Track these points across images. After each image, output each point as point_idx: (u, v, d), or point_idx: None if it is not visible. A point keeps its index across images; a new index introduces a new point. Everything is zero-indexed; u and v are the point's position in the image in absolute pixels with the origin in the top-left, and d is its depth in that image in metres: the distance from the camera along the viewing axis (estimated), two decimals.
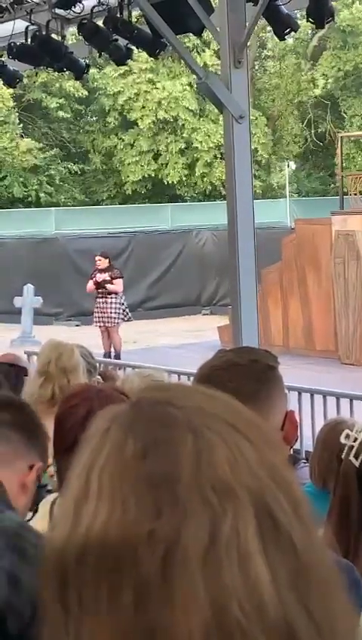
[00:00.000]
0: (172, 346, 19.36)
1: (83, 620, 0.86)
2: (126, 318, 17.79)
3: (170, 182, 33.26)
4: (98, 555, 0.86)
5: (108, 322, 17.59)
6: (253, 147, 7.90)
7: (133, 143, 33.53)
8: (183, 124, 32.89)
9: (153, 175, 33.45)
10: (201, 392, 0.98)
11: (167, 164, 33.34)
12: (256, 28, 7.70)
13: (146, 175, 33.41)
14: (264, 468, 0.90)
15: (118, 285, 17.69)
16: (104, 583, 0.85)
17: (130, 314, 17.98)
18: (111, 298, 17.60)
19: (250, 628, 0.83)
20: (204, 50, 31.55)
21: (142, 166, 33.38)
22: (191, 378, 4.34)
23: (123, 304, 17.75)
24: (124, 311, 17.74)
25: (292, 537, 0.88)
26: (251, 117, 8.00)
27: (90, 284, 17.82)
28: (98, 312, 17.70)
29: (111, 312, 17.58)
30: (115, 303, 17.61)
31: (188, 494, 0.86)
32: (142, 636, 0.83)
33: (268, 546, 0.86)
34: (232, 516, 0.85)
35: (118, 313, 17.59)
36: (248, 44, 7.73)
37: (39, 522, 2.83)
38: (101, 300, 17.66)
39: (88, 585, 0.86)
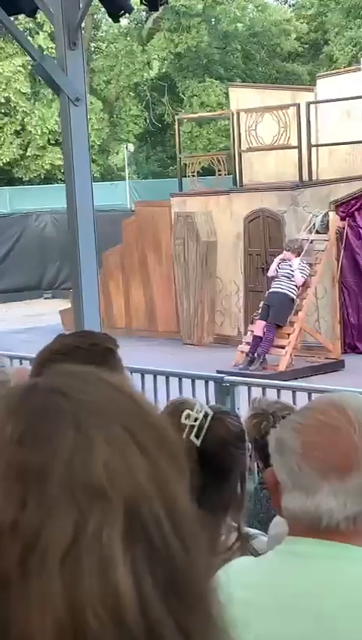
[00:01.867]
0: (13, 331, 19.17)
1: None
2: None
3: (5, 161, 32.71)
4: None
5: None
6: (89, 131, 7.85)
7: None
8: (15, 107, 32.41)
9: None
10: (106, 384, 0.94)
11: (2, 144, 32.81)
12: (90, 9, 7.67)
13: None
14: (148, 477, 0.87)
15: None
16: None
17: None
18: None
19: (104, 635, 0.81)
20: (37, 33, 31.18)
21: None
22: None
23: None
24: None
25: (167, 551, 0.85)
26: (87, 100, 7.96)
27: None
28: None
29: None
30: None
31: (56, 490, 0.83)
32: None
33: (136, 556, 0.84)
34: (99, 519, 0.83)
35: None
36: (83, 25, 7.68)
37: None
38: None
39: None
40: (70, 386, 0.92)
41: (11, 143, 32.78)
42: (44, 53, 10.85)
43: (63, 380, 0.94)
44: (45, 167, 32.81)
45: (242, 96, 18.95)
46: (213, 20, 36.13)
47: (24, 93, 32.38)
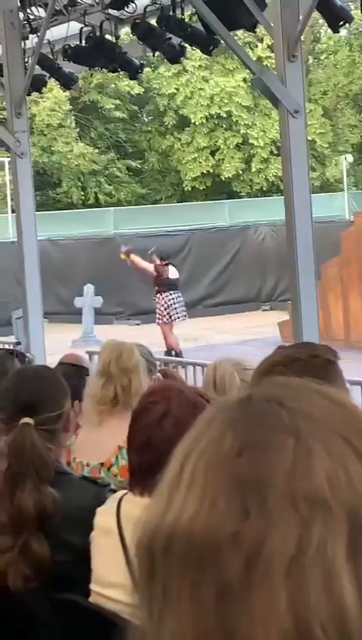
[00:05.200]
0: (233, 343, 19.30)
1: (166, 611, 0.85)
2: (173, 317, 17.66)
3: (227, 176, 33.27)
4: (183, 549, 0.85)
5: (158, 319, 17.72)
6: (309, 138, 7.85)
7: (191, 140, 33.63)
8: (237, 120, 32.91)
9: (211, 171, 33.53)
10: (321, 395, 0.93)
11: (223, 159, 33.39)
12: (309, 21, 7.67)
13: (204, 171, 33.51)
14: None
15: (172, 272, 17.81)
16: (187, 579, 0.84)
17: (178, 313, 17.82)
18: (162, 294, 17.64)
19: None
20: (256, 45, 31.48)
21: (200, 162, 33.49)
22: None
23: (173, 302, 17.68)
24: (178, 308, 17.69)
25: None
26: (306, 109, 7.96)
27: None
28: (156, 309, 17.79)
29: (159, 309, 17.65)
30: (165, 298, 17.62)
31: (278, 501, 0.83)
32: (221, 638, 0.82)
33: (360, 568, 0.82)
34: (322, 530, 0.82)
35: (168, 310, 17.57)
36: (302, 37, 7.69)
37: (104, 518, 2.84)
38: (156, 296, 17.82)
39: (172, 578, 0.85)
40: (286, 396, 0.91)
41: (232, 157, 33.27)
42: (264, 64, 10.94)
43: (278, 390, 0.94)
44: (269, 179, 33.05)
45: None
46: None
47: (245, 107, 32.78)
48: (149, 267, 17.80)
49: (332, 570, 0.81)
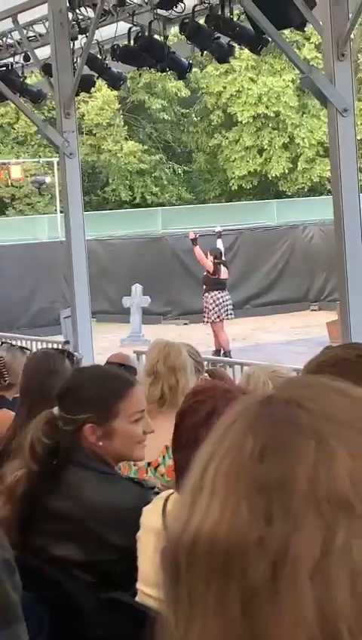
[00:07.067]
0: (281, 343, 19.26)
1: (192, 618, 0.85)
2: (223, 316, 17.70)
3: (274, 175, 33.26)
4: (207, 555, 0.85)
5: (206, 318, 17.76)
6: (358, 138, 7.83)
7: (238, 139, 33.64)
8: (285, 120, 32.89)
9: (258, 170, 33.51)
10: (342, 393, 0.92)
11: (270, 159, 33.36)
12: (359, 19, 7.64)
13: (251, 170, 33.50)
14: None
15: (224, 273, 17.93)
16: (213, 585, 0.84)
17: (227, 312, 17.86)
18: (210, 293, 17.70)
19: None
20: (303, 45, 31.40)
21: (247, 161, 33.49)
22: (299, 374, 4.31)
23: (222, 301, 17.73)
24: (228, 307, 17.74)
25: None
26: (355, 109, 7.92)
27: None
28: (205, 308, 17.85)
29: (208, 307, 17.69)
30: (213, 297, 17.67)
31: (301, 504, 0.83)
32: None
33: None
34: (346, 533, 0.82)
35: (218, 308, 17.61)
36: (351, 36, 7.65)
37: (150, 517, 2.85)
38: (204, 295, 17.90)
39: (198, 584, 0.85)
40: (305, 397, 0.91)
41: (280, 156, 33.25)
42: (311, 64, 10.96)
43: (297, 391, 0.93)
44: (314, 179, 33.01)
45: None
46: None
47: (292, 107, 32.76)
48: (208, 263, 17.93)
49: (358, 572, 0.81)
